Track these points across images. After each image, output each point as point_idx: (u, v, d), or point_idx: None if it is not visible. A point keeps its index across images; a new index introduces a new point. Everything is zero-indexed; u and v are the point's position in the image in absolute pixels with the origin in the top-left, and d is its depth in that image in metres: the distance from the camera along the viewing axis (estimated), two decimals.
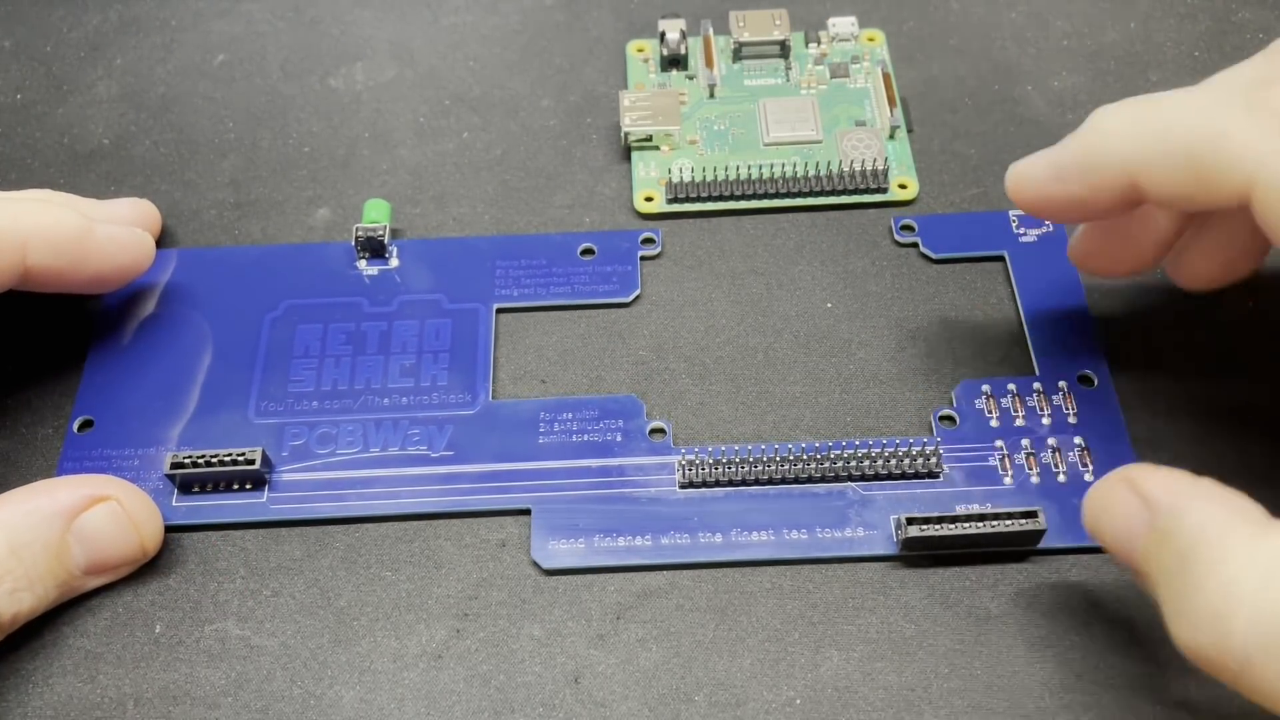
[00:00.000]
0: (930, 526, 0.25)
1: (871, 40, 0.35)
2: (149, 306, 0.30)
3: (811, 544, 0.26)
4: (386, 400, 0.28)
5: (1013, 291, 0.30)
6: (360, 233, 0.30)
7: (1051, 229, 0.31)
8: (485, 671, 0.25)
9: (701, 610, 0.25)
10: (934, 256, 0.30)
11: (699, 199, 0.30)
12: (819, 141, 0.32)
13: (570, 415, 0.28)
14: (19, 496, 0.25)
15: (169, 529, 0.26)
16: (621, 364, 0.29)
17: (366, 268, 0.31)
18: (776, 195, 0.31)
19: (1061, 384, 0.28)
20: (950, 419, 0.27)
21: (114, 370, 0.29)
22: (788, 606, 0.25)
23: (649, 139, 0.32)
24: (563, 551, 0.26)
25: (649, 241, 0.31)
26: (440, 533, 0.27)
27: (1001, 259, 0.30)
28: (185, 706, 0.24)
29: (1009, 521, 0.25)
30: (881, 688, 0.24)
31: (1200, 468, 0.25)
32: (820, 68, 0.34)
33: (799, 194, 0.31)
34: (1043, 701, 0.24)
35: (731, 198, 0.31)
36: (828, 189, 0.31)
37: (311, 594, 0.26)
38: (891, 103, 0.32)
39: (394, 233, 0.32)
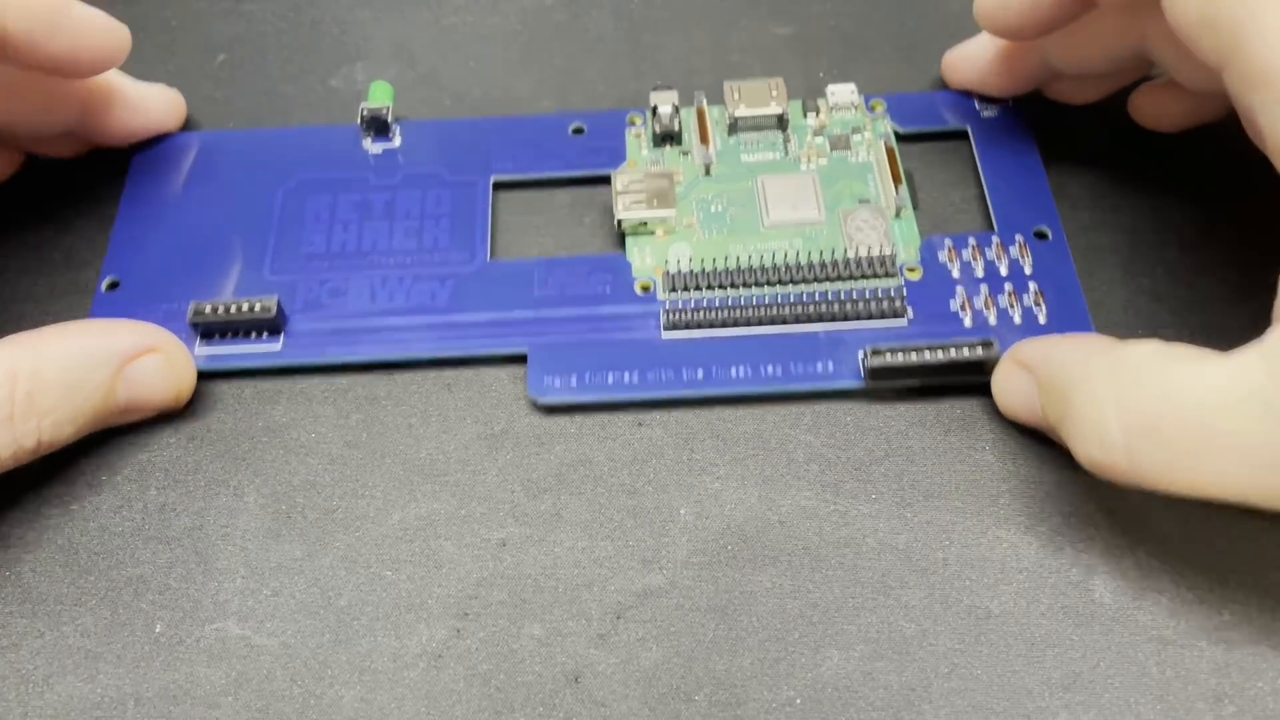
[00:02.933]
0: (893, 356, 0.27)
1: (875, 109, 0.33)
2: (175, 183, 0.32)
3: (786, 377, 0.28)
4: (392, 259, 0.30)
5: (974, 161, 0.32)
6: (366, 112, 0.32)
7: (1011, 104, 0.33)
8: (485, 671, 0.25)
9: (702, 610, 0.25)
10: (902, 131, 0.33)
11: (698, 288, 0.29)
12: (821, 223, 0.31)
13: (563, 270, 0.30)
14: (78, 331, 0.27)
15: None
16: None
17: (371, 146, 0.33)
18: (779, 283, 0.29)
19: (1019, 238, 0.30)
20: (914, 269, 0.30)
21: (140, 236, 0.31)
22: (788, 606, 0.25)
23: (644, 224, 0.31)
24: (557, 387, 0.28)
25: (633, 122, 0.33)
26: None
27: (965, 134, 0.33)
28: (185, 706, 0.24)
29: (965, 350, 0.27)
30: (881, 688, 0.24)
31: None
32: (820, 139, 0.33)
33: (803, 280, 0.29)
34: (1043, 701, 0.24)
35: (733, 286, 0.30)
36: (833, 275, 0.29)
37: (312, 594, 0.26)
38: (896, 180, 0.31)
39: (396, 116, 0.34)
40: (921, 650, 0.25)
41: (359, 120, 0.33)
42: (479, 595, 0.26)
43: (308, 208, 0.31)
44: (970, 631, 0.25)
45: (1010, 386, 0.27)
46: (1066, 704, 0.24)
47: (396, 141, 0.33)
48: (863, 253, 0.30)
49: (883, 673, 0.24)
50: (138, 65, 0.36)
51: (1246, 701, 0.24)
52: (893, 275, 0.29)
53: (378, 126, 0.33)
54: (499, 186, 0.32)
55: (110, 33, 0.29)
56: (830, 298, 0.29)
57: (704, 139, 0.32)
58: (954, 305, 0.29)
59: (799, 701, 0.24)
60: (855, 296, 0.29)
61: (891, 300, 0.28)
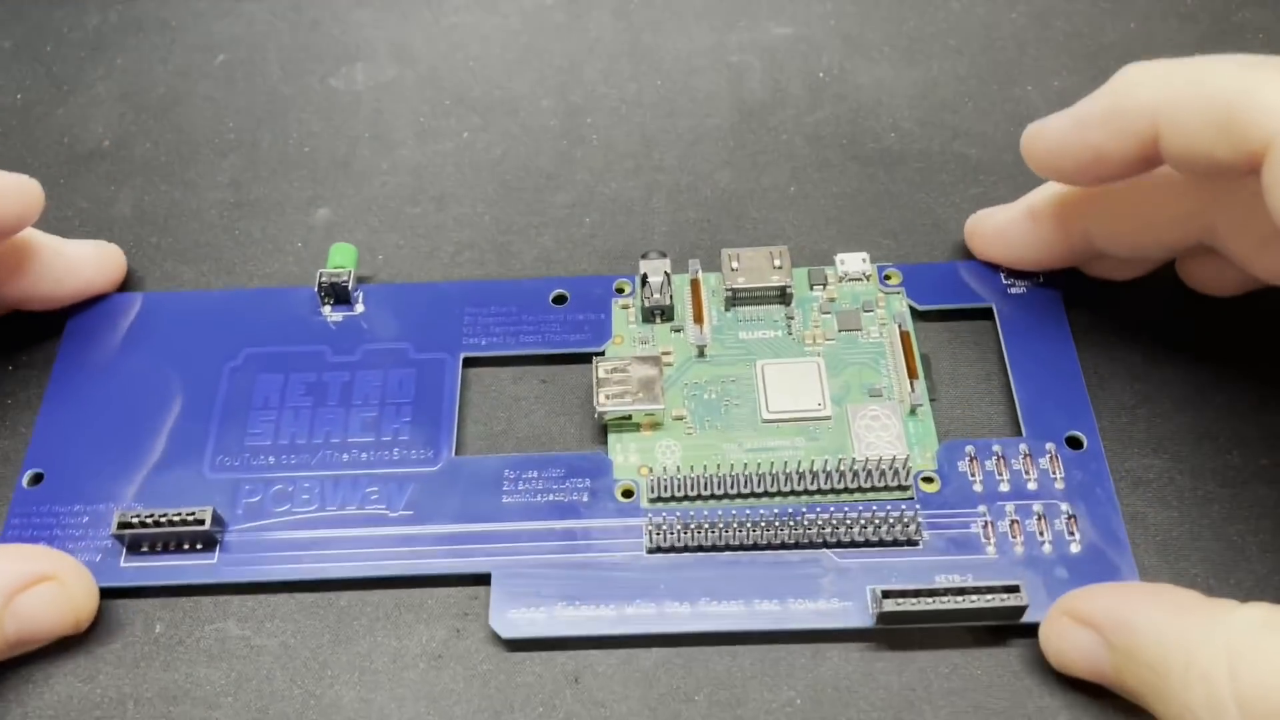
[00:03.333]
0: (908, 600, 0.24)
1: (889, 280, 0.30)
2: (110, 353, 0.29)
3: (784, 615, 0.25)
4: (346, 456, 0.27)
5: (1000, 346, 0.29)
6: (324, 278, 0.29)
7: (1041, 280, 0.29)
8: (485, 671, 0.25)
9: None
10: (919, 308, 0.29)
11: (687, 498, 0.26)
12: (827, 418, 0.27)
13: (536, 474, 0.27)
14: None
15: (117, 592, 0.26)
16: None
17: (331, 314, 0.30)
18: (778, 494, 0.26)
19: (1049, 446, 0.26)
20: (931, 480, 0.26)
21: (68, 420, 0.28)
22: None
23: (628, 417, 0.27)
24: (522, 621, 0.25)
25: (622, 290, 0.30)
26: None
27: (990, 311, 0.29)
28: (185, 706, 0.24)
29: (989, 596, 0.24)
30: (882, 688, 0.24)
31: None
32: (827, 316, 0.29)
33: (805, 493, 0.26)
34: (1043, 701, 0.24)
35: (726, 497, 0.26)
36: (838, 487, 0.26)
37: (311, 594, 0.26)
38: (912, 374, 0.27)
39: (360, 279, 0.31)
40: (922, 650, 0.25)
41: (316, 287, 0.29)
42: (479, 595, 0.26)
43: (256, 389, 0.28)
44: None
45: (1068, 642, 0.23)
46: (1067, 704, 0.24)
47: (359, 308, 0.30)
48: (872, 457, 0.26)
49: (883, 673, 0.24)
50: (136, 66, 0.36)
51: None
52: (906, 488, 0.26)
53: (338, 294, 0.30)
54: (470, 363, 0.29)
55: (17, 193, 0.27)
56: (836, 515, 0.25)
57: (698, 317, 0.29)
58: (975, 527, 0.25)
59: (799, 702, 0.24)
60: (864, 516, 0.25)
61: (905, 524, 0.25)
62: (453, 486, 0.27)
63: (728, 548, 0.25)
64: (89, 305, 0.30)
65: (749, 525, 0.25)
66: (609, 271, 0.31)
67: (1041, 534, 0.25)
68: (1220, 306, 0.29)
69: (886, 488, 0.26)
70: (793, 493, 0.26)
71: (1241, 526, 0.26)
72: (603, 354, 0.29)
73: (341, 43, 0.37)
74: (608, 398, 0.27)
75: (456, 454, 0.27)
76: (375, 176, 0.33)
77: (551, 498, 0.26)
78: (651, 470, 0.27)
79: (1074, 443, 0.27)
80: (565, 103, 0.35)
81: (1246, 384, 0.28)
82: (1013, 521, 0.26)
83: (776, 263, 0.29)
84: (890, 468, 0.26)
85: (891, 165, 0.33)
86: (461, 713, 0.24)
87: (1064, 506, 0.26)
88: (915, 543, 0.25)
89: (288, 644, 0.25)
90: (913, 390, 0.27)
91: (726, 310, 0.29)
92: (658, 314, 0.29)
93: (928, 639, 0.25)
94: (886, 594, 0.24)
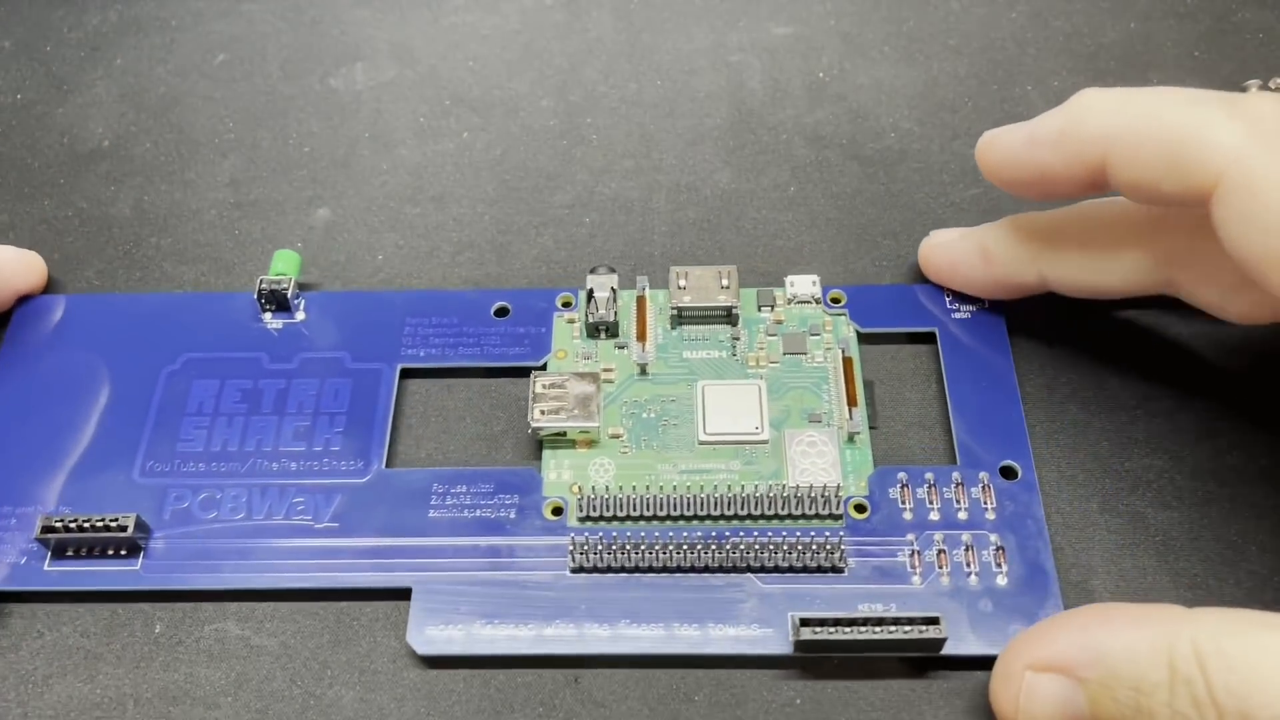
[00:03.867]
0: (826, 629, 0.24)
1: (836, 302, 0.29)
2: (39, 356, 0.29)
3: (703, 639, 0.24)
4: (276, 465, 0.27)
5: (940, 371, 0.28)
6: (264, 285, 0.29)
7: (987, 305, 0.29)
8: (485, 672, 0.25)
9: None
10: (863, 331, 0.29)
11: (615, 518, 0.26)
12: (764, 442, 0.27)
13: (464, 488, 0.27)
14: None
15: (40, 596, 0.26)
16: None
17: (271, 321, 0.30)
18: (708, 518, 0.26)
19: (982, 475, 0.26)
20: (863, 508, 0.26)
21: None
22: None
23: (563, 434, 0.27)
24: (440, 638, 0.24)
25: (567, 304, 0.30)
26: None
27: (933, 335, 0.29)
28: (185, 706, 0.24)
29: (908, 628, 0.23)
30: (881, 687, 0.24)
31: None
32: (773, 338, 0.29)
33: (735, 518, 0.26)
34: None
35: (655, 519, 0.26)
36: (769, 513, 0.26)
37: (311, 594, 0.26)
38: (852, 402, 0.27)
39: (301, 286, 0.30)
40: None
41: (256, 293, 0.29)
42: None
43: (192, 394, 0.28)
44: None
45: (1038, 697, 0.21)
46: None
47: (300, 315, 0.30)
48: (804, 483, 0.26)
49: (883, 672, 0.24)
50: (136, 66, 0.36)
51: None
52: (838, 517, 0.26)
53: (278, 300, 0.29)
54: (407, 374, 0.29)
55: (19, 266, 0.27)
56: (761, 539, 0.25)
57: (641, 335, 0.28)
58: (902, 555, 0.25)
59: (799, 701, 0.24)
60: (789, 541, 0.25)
61: (830, 552, 0.25)
62: (380, 499, 0.26)
63: (651, 569, 0.25)
64: (22, 305, 0.30)
65: (674, 547, 0.25)
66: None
67: (968, 565, 0.25)
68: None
69: (818, 515, 0.26)
70: (723, 516, 0.26)
71: (1241, 526, 0.26)
72: (543, 368, 0.28)
73: (341, 43, 0.37)
74: (542, 413, 0.27)
75: (387, 466, 0.27)
76: (375, 176, 0.33)
77: (479, 513, 0.26)
78: (582, 489, 0.26)
79: (1008, 473, 0.26)
80: (565, 102, 0.35)
81: (1248, 383, 0.28)
82: (940, 551, 0.25)
83: (724, 282, 0.29)
84: (822, 495, 0.25)
85: (891, 165, 0.33)
86: (461, 713, 0.24)
87: (993, 538, 0.25)
88: (840, 570, 0.25)
89: (288, 644, 0.25)
90: (851, 418, 0.27)
91: (672, 328, 0.29)
92: (602, 330, 0.29)
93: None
94: (805, 622, 0.24)
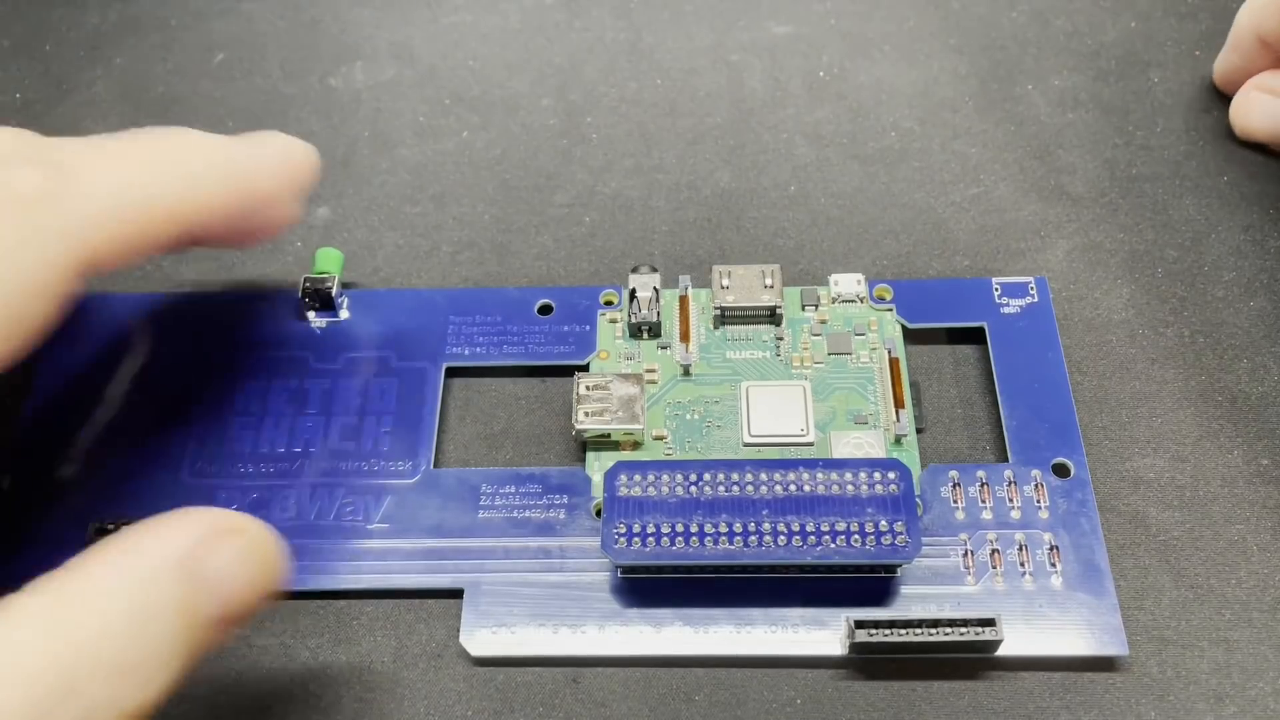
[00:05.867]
0: (880, 631, 0.23)
1: (882, 297, 0.29)
2: (85, 356, 0.29)
3: (758, 641, 0.24)
4: (324, 465, 0.27)
5: (989, 366, 0.28)
6: (308, 284, 0.29)
7: (1036, 297, 0.29)
8: (485, 671, 0.25)
9: None
10: (910, 327, 0.29)
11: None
12: (810, 444, 0.27)
13: (513, 489, 0.26)
14: (127, 546, 0.19)
15: None
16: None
17: (315, 319, 0.29)
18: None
19: (1035, 473, 0.26)
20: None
21: (43, 427, 0.27)
22: None
23: (607, 436, 0.27)
24: (493, 640, 0.24)
25: (610, 302, 0.29)
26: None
27: (981, 331, 0.29)
28: (185, 705, 0.24)
29: (964, 630, 0.23)
30: (882, 687, 0.24)
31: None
32: (818, 338, 0.28)
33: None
34: (1044, 702, 0.24)
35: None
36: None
37: (312, 594, 0.26)
38: (899, 403, 0.27)
39: (345, 284, 0.30)
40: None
41: (300, 292, 0.29)
42: None
43: (238, 394, 0.28)
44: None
45: (1259, 108, 0.30)
46: (1067, 705, 0.24)
47: (343, 314, 0.29)
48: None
49: (883, 672, 0.24)
50: (136, 65, 0.36)
51: (1247, 702, 0.24)
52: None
53: (321, 300, 0.29)
54: (452, 373, 0.29)
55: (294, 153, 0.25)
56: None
57: (684, 336, 0.28)
58: (955, 556, 0.25)
59: (799, 701, 0.24)
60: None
61: (885, 567, 0.24)
62: (429, 499, 0.26)
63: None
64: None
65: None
66: (608, 270, 0.31)
67: (1023, 565, 0.25)
68: (1216, 304, 0.29)
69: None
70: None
71: (1241, 527, 0.26)
72: (586, 368, 0.28)
73: (341, 42, 0.37)
74: (586, 415, 0.26)
75: (435, 466, 0.27)
76: (375, 176, 0.33)
77: (528, 514, 0.26)
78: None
79: (1060, 470, 0.26)
80: (565, 102, 0.35)
81: (1248, 383, 0.28)
82: (993, 551, 0.25)
83: (768, 281, 0.28)
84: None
85: (891, 165, 0.33)
86: (461, 712, 0.24)
87: (1046, 536, 0.25)
88: (892, 571, 0.25)
89: (287, 644, 0.25)
90: (898, 420, 0.26)
91: (715, 329, 0.29)
92: (644, 330, 0.29)
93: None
94: (860, 624, 0.23)
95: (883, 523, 0.23)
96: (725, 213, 0.32)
